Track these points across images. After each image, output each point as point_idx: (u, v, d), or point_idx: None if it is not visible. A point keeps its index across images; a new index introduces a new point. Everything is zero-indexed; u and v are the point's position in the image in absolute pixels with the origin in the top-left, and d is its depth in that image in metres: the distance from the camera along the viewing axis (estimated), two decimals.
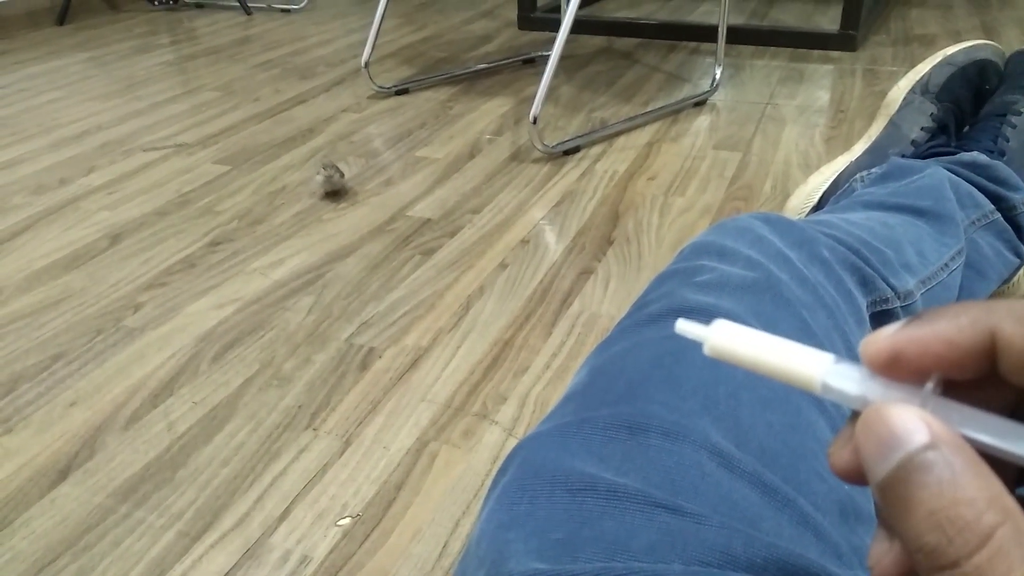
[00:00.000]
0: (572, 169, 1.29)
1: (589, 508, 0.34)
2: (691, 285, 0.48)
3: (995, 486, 0.16)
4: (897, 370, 0.19)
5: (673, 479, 0.34)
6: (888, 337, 0.19)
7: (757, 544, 0.31)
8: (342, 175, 1.20)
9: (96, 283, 1.03)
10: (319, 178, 1.19)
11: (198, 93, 1.78)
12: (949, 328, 0.18)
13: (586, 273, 0.99)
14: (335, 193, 1.22)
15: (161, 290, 1.00)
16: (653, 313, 0.47)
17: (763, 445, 0.37)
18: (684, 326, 0.22)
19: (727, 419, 0.38)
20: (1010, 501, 0.16)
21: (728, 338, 0.20)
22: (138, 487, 0.70)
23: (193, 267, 1.05)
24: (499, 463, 0.40)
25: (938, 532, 0.16)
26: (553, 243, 1.07)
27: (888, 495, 0.17)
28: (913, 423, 0.17)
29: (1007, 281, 0.78)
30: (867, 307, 0.54)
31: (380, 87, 1.69)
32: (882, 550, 0.19)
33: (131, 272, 1.05)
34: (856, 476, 0.19)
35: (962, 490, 0.16)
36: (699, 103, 1.55)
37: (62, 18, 2.53)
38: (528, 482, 0.36)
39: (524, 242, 1.07)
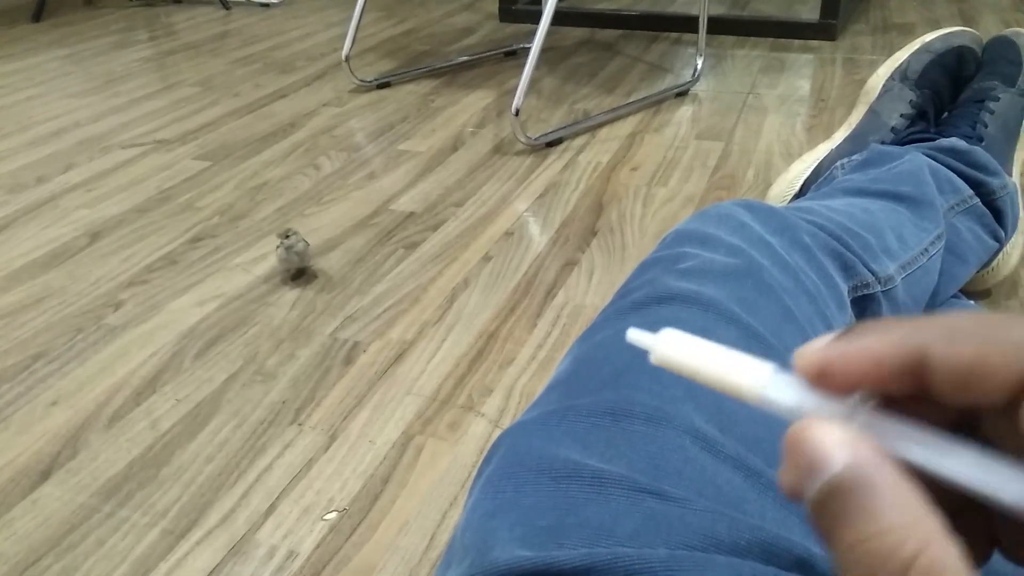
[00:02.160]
0: (555, 161, 1.29)
1: (574, 495, 0.34)
2: (674, 272, 0.48)
3: (916, 509, 0.16)
4: (827, 384, 0.18)
5: (657, 464, 0.34)
6: (818, 350, 0.19)
7: (741, 527, 0.31)
8: (306, 244, 0.95)
9: (76, 281, 1.02)
10: (279, 252, 0.94)
11: (177, 89, 1.76)
12: (878, 345, 0.18)
13: (570, 264, 0.99)
14: (299, 273, 0.97)
15: (142, 287, 0.99)
16: (636, 300, 0.47)
17: (746, 429, 0.37)
18: (634, 335, 0.21)
19: (710, 405, 0.38)
20: (931, 524, 0.16)
21: (673, 348, 0.20)
22: (122, 486, 0.69)
23: (174, 264, 1.04)
24: (485, 454, 0.40)
25: (861, 566, 0.16)
26: (537, 235, 1.07)
27: (815, 519, 0.17)
28: (835, 444, 0.17)
29: (987, 265, 0.79)
30: (848, 292, 0.54)
31: (361, 81, 1.68)
32: None
33: (111, 270, 1.04)
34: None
35: (882, 519, 0.16)
36: (681, 93, 1.55)
37: (38, 15, 2.50)
38: (513, 470, 0.36)
39: (508, 234, 1.07)
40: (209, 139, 1.46)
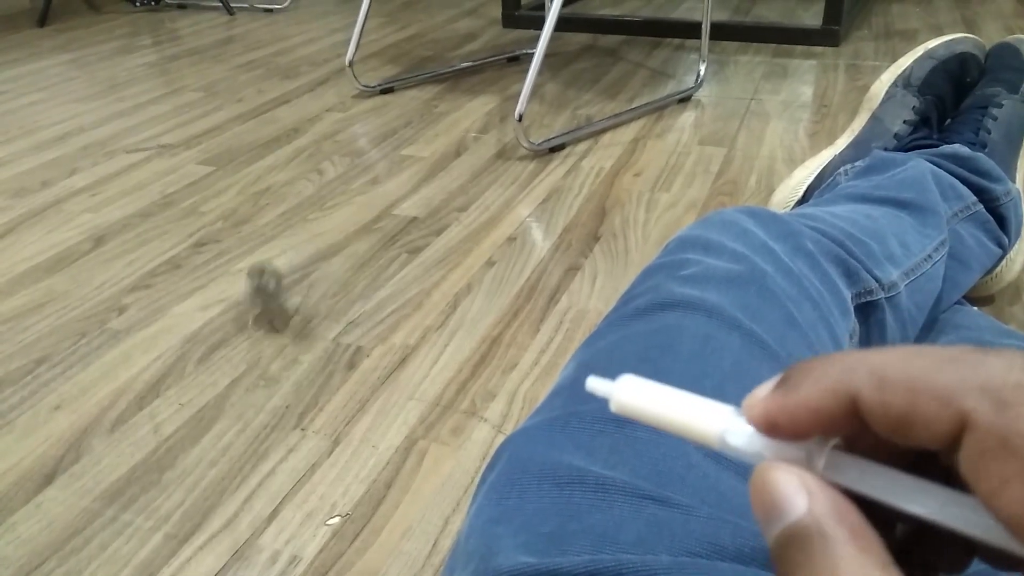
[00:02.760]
0: (558, 166, 1.29)
1: (577, 501, 0.34)
2: (677, 279, 0.48)
3: (874, 557, 0.16)
4: (778, 434, 0.18)
5: (660, 471, 0.34)
6: (760, 403, 0.19)
7: (745, 534, 0.31)
8: (278, 282, 0.82)
9: (80, 285, 1.02)
10: (246, 290, 0.82)
11: (181, 94, 1.77)
12: (812, 395, 0.18)
13: (573, 269, 0.99)
14: (267, 314, 0.84)
15: (146, 292, 1.00)
16: (640, 307, 0.47)
17: None
18: (593, 383, 0.21)
19: None
20: (891, 573, 0.16)
21: (632, 395, 0.20)
22: (125, 490, 0.69)
23: (178, 268, 1.05)
24: (488, 460, 0.40)
25: None
26: (540, 240, 1.07)
27: (776, 563, 0.17)
28: (794, 490, 0.17)
29: (990, 272, 0.79)
30: (852, 299, 0.54)
31: (364, 86, 1.69)
32: None
33: (115, 274, 1.04)
34: None
35: (837, 566, 0.16)
36: (684, 99, 1.55)
37: (43, 19, 2.51)
38: (516, 476, 0.36)
39: (511, 239, 1.07)
40: (213, 144, 1.46)
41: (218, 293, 0.98)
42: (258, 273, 0.80)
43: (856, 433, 0.18)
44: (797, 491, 0.17)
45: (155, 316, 0.94)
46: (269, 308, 0.82)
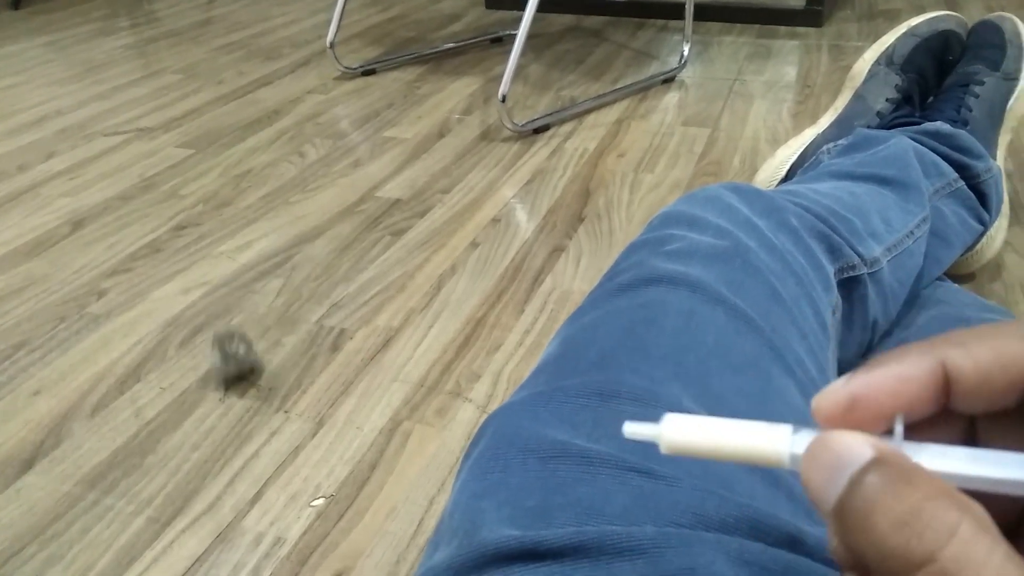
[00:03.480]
0: (542, 147, 1.28)
1: (562, 475, 0.33)
2: (661, 254, 0.48)
3: (947, 485, 0.16)
4: (855, 417, 0.18)
5: (645, 443, 0.34)
6: (842, 386, 0.19)
7: (730, 504, 0.31)
8: (248, 345, 0.77)
9: (59, 270, 1.01)
10: (213, 359, 0.77)
11: (160, 76, 1.74)
12: (901, 366, 0.18)
13: (558, 250, 0.99)
14: (240, 377, 0.79)
15: (126, 276, 0.98)
16: (623, 283, 0.46)
17: (734, 410, 0.37)
18: (632, 429, 0.20)
19: (698, 385, 0.38)
20: (964, 497, 0.16)
21: (682, 433, 0.20)
22: (106, 474, 0.69)
23: (158, 252, 1.03)
24: (473, 437, 0.40)
25: (905, 531, 0.15)
26: (524, 221, 1.06)
27: (843, 516, 0.17)
28: (857, 444, 0.17)
29: (971, 248, 0.79)
30: (835, 274, 0.54)
31: (346, 68, 1.67)
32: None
33: (94, 258, 1.03)
34: (855, 562, 0.18)
35: (919, 490, 0.16)
36: (668, 80, 1.55)
37: (17, 2, 2.46)
38: (501, 451, 0.36)
39: (495, 221, 1.07)
40: (193, 127, 1.44)
41: (199, 276, 0.97)
42: (225, 340, 0.76)
43: (925, 419, 0.19)
44: (862, 444, 0.17)
45: (135, 300, 0.93)
46: (242, 371, 0.78)
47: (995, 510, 0.17)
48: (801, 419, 0.39)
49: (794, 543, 0.31)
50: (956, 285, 0.73)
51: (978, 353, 0.18)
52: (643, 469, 0.33)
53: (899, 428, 0.18)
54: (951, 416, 0.19)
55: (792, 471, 0.19)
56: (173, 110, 1.53)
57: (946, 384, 0.18)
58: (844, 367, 0.58)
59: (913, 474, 0.16)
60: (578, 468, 0.33)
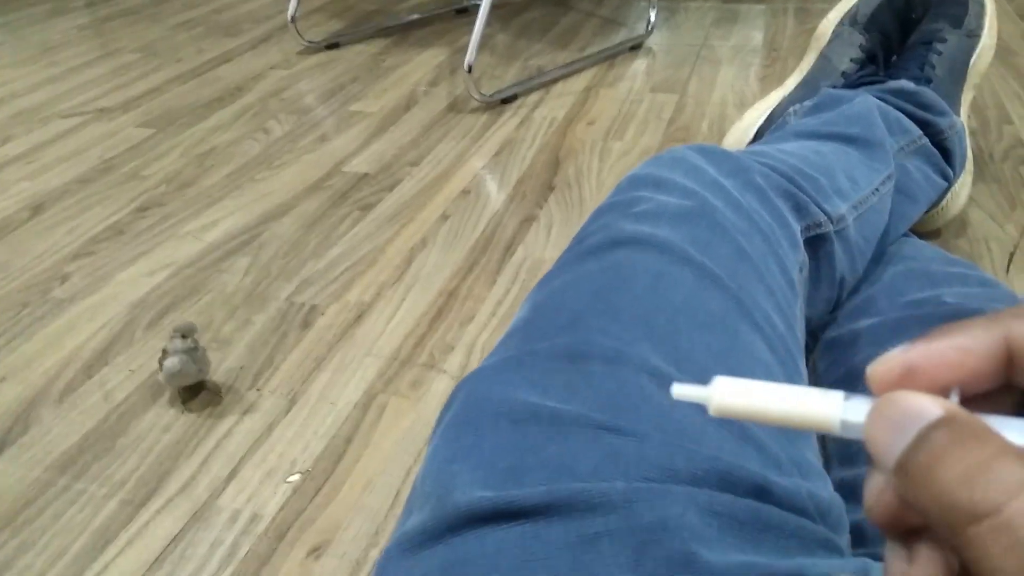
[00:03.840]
0: (510, 118, 1.27)
1: (533, 436, 0.33)
2: (628, 216, 0.48)
3: (1015, 445, 0.16)
4: (911, 387, 0.18)
5: (615, 402, 0.34)
6: (900, 354, 0.19)
7: (698, 458, 0.31)
8: (197, 348, 0.70)
9: (19, 255, 0.98)
10: (169, 363, 0.69)
11: (117, 56, 1.70)
12: (962, 337, 0.18)
13: (528, 220, 0.99)
14: (198, 387, 0.73)
15: (89, 259, 0.96)
16: (592, 245, 0.46)
17: (702, 366, 0.37)
18: (682, 391, 0.20)
19: (666, 343, 0.38)
20: None
21: (733, 396, 0.20)
22: (77, 458, 0.68)
23: (121, 234, 1.01)
24: (445, 403, 0.40)
25: (971, 484, 0.15)
26: (494, 192, 1.06)
27: (909, 471, 0.16)
28: (927, 402, 0.17)
29: (936, 204, 0.80)
30: (801, 232, 0.55)
31: (309, 42, 1.64)
32: (878, 487, 0.19)
33: (56, 242, 1.00)
34: (897, 518, 0.18)
35: (988, 447, 0.16)
36: (635, 47, 1.54)
37: None
38: (471, 416, 0.36)
39: (465, 192, 1.06)
40: (152, 106, 1.41)
41: (164, 258, 0.95)
42: (187, 331, 0.69)
43: (979, 394, 0.18)
44: (931, 402, 0.17)
45: (100, 283, 0.92)
46: (203, 371, 0.71)
47: None
48: (767, 374, 0.39)
49: (762, 493, 0.31)
50: (922, 241, 0.74)
51: None
52: (613, 427, 0.33)
53: (954, 399, 0.18)
54: (1004, 391, 0.19)
55: (841, 436, 0.19)
56: (132, 90, 1.49)
57: (1008, 358, 0.18)
58: (811, 323, 0.59)
59: (981, 432, 0.16)
60: (549, 429, 0.33)
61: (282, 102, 1.39)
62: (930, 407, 0.17)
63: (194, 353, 0.69)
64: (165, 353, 0.70)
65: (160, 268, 0.93)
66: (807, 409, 0.19)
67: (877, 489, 0.19)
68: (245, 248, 0.96)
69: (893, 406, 0.17)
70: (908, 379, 0.18)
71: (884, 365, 0.19)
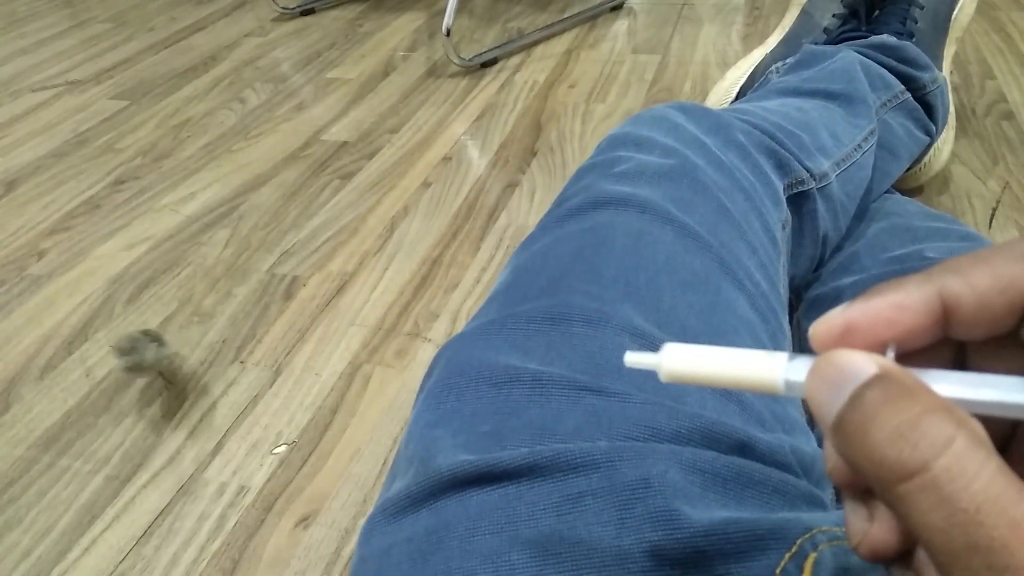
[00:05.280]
0: (491, 82, 1.25)
1: (515, 399, 0.33)
2: (609, 176, 0.47)
3: (946, 401, 0.16)
4: (850, 345, 0.18)
5: (597, 363, 0.34)
6: (839, 314, 0.19)
7: (681, 416, 0.31)
8: (158, 342, 0.67)
9: None
10: (124, 362, 0.65)
11: (87, 26, 1.66)
12: (898, 294, 0.18)
13: (511, 186, 0.98)
14: (163, 378, 0.71)
15: (65, 234, 0.95)
16: (572, 207, 0.46)
17: (684, 324, 0.37)
18: (634, 359, 0.21)
19: (648, 303, 0.38)
20: (961, 413, 0.16)
21: (681, 362, 0.20)
22: (60, 435, 0.67)
23: (98, 208, 1.00)
24: (427, 369, 0.39)
25: (900, 442, 0.15)
26: (476, 158, 1.04)
27: (844, 430, 0.17)
28: (862, 360, 0.17)
29: (918, 160, 0.80)
30: (784, 190, 0.54)
31: (284, 8, 1.60)
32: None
33: (31, 218, 0.99)
34: (856, 478, 0.19)
35: (918, 404, 0.16)
36: (616, 7, 1.52)
37: None
38: (453, 380, 0.36)
39: (446, 159, 1.05)
40: (125, 77, 1.38)
41: (142, 232, 0.94)
42: (126, 350, 0.65)
43: (916, 349, 0.19)
44: (865, 360, 0.17)
45: (77, 259, 0.90)
46: (160, 372, 0.69)
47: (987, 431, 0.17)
48: (749, 331, 0.39)
49: (745, 449, 0.31)
50: (904, 197, 0.74)
51: (976, 279, 0.18)
52: (595, 388, 0.32)
53: (891, 356, 0.18)
54: (941, 345, 0.19)
55: (787, 397, 0.19)
56: (103, 61, 1.46)
57: (943, 313, 0.18)
58: (795, 282, 0.59)
59: (914, 389, 0.16)
60: (531, 391, 0.33)
61: (257, 70, 1.36)
62: (865, 365, 0.17)
63: (143, 355, 0.65)
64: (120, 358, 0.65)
65: (138, 242, 0.92)
66: (752, 371, 0.19)
67: (835, 451, 0.19)
68: (224, 220, 0.95)
69: (830, 365, 0.18)
70: (847, 338, 0.18)
71: (824, 325, 0.19)
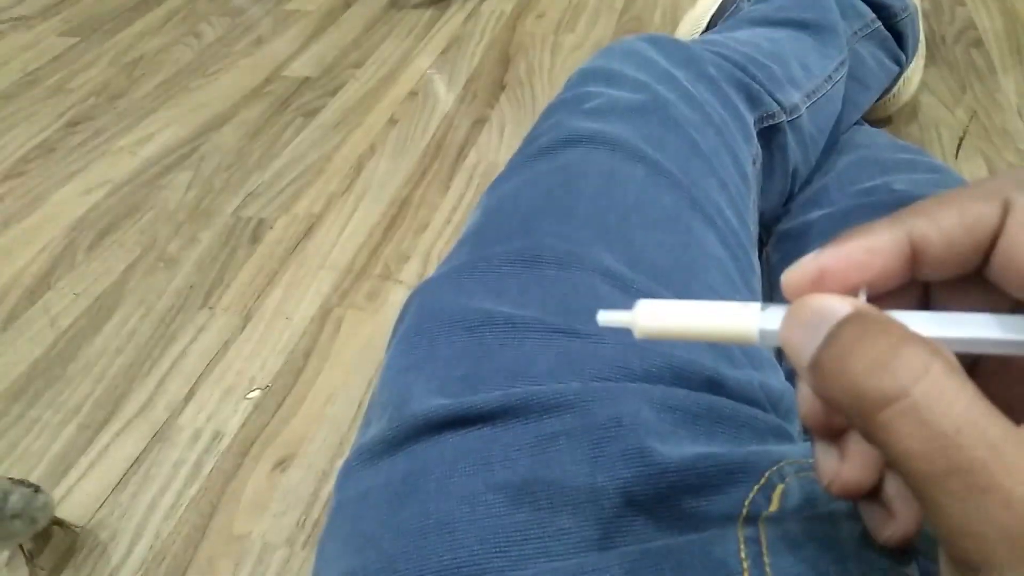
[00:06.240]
0: (456, 12, 1.22)
1: (488, 342, 0.33)
2: (579, 113, 0.46)
3: (920, 335, 0.16)
4: (823, 290, 0.19)
5: (569, 305, 0.34)
6: (811, 260, 0.19)
7: (652, 355, 0.31)
8: (34, 492, 0.51)
9: None
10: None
11: None
12: (868, 238, 0.19)
13: (480, 122, 0.96)
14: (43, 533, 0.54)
15: (19, 180, 0.92)
16: (543, 146, 0.45)
17: (656, 264, 0.37)
18: (606, 317, 0.21)
19: (619, 243, 0.38)
20: (935, 343, 0.16)
21: (654, 317, 0.20)
22: (27, 387, 0.66)
23: (52, 152, 0.96)
24: (399, 314, 0.39)
25: (879, 371, 0.15)
26: (443, 93, 1.02)
27: (821, 368, 0.17)
28: (836, 302, 0.17)
29: (888, 91, 0.80)
30: (755, 123, 0.54)
31: None
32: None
33: None
34: (828, 422, 0.19)
35: (893, 335, 0.16)
36: None
37: None
38: (426, 326, 0.35)
39: (412, 95, 1.02)
40: (73, 12, 1.32)
41: (100, 175, 0.91)
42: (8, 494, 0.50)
43: (885, 292, 0.19)
44: (841, 301, 0.17)
45: (34, 205, 0.87)
46: (39, 520, 0.52)
47: None
48: (720, 269, 0.39)
49: (715, 386, 0.32)
50: (874, 128, 0.74)
51: (943, 220, 0.18)
52: (568, 330, 0.32)
53: (862, 299, 0.18)
54: (909, 287, 0.20)
55: (761, 347, 0.19)
56: None
57: (912, 255, 0.18)
58: (765, 216, 0.59)
59: (888, 325, 0.16)
60: (504, 334, 0.33)
61: (212, 3, 1.31)
62: (839, 306, 0.17)
63: (28, 507, 0.50)
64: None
65: (96, 186, 0.89)
66: (727, 324, 0.20)
67: (809, 395, 0.19)
68: (185, 162, 0.92)
69: (804, 309, 0.18)
70: (819, 283, 0.19)
71: (797, 272, 0.19)
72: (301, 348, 0.68)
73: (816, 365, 0.17)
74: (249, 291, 0.74)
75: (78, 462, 0.60)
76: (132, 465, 0.59)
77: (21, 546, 0.54)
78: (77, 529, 0.55)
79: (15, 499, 0.50)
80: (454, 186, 0.86)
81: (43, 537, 0.54)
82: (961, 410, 0.15)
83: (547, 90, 1.01)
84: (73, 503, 0.57)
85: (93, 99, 1.06)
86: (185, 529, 0.55)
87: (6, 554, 0.54)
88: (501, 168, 0.87)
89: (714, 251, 0.41)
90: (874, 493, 0.20)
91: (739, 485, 0.27)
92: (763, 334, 0.19)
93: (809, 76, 0.62)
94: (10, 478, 0.51)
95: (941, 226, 0.18)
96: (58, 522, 0.55)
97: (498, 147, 0.91)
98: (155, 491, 0.57)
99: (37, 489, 0.52)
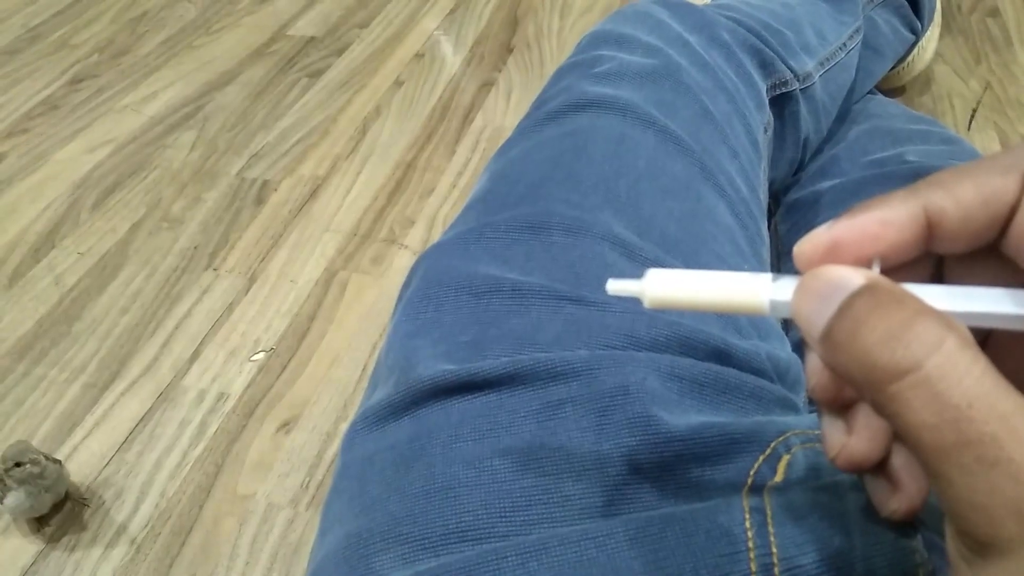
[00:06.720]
0: None
1: (495, 309, 0.33)
2: (590, 77, 0.46)
3: (933, 307, 0.16)
4: (836, 261, 0.18)
5: (576, 272, 0.34)
6: (824, 231, 0.19)
7: (659, 323, 0.31)
8: (50, 462, 0.53)
9: None
10: (9, 497, 0.52)
11: None
12: (883, 210, 0.18)
13: (487, 85, 0.95)
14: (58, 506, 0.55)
15: (23, 137, 0.91)
16: (552, 110, 0.44)
17: (664, 232, 0.37)
18: (616, 286, 0.21)
19: (628, 210, 0.37)
20: (949, 317, 0.16)
21: (664, 286, 0.20)
22: (33, 344, 0.66)
23: (56, 109, 0.95)
24: (405, 279, 0.39)
25: (892, 343, 0.15)
26: (450, 55, 1.01)
27: (833, 339, 0.17)
28: (849, 273, 0.17)
29: (902, 60, 0.78)
30: (767, 91, 0.53)
31: None
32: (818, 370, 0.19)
33: None
34: (837, 394, 0.19)
35: (906, 308, 0.16)
36: None
37: None
38: (432, 291, 0.35)
39: (419, 56, 1.01)
40: None
41: (104, 133, 0.90)
42: (18, 457, 0.52)
43: (901, 265, 0.19)
44: (855, 272, 0.17)
45: (38, 163, 0.87)
46: (57, 491, 0.54)
47: None
48: (729, 238, 0.39)
49: (722, 356, 0.31)
50: (887, 98, 0.73)
51: (959, 192, 0.18)
52: (575, 297, 0.32)
53: (876, 270, 0.18)
54: (922, 260, 0.19)
55: (772, 315, 0.19)
56: None
57: (927, 227, 0.18)
58: (774, 185, 0.58)
59: (901, 297, 0.16)
60: (511, 301, 0.33)
61: None
62: (852, 277, 0.17)
63: (38, 480, 0.52)
64: (4, 484, 0.52)
65: (100, 144, 0.89)
66: (737, 294, 0.19)
67: (818, 367, 0.19)
68: (189, 121, 0.91)
69: (817, 280, 0.18)
70: (832, 254, 0.18)
71: (809, 243, 0.19)
72: (306, 311, 0.68)
73: (828, 336, 0.17)
74: (254, 253, 0.74)
75: (84, 421, 0.60)
76: (138, 424, 0.60)
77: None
78: (86, 502, 0.56)
79: (50, 472, 0.53)
80: (460, 150, 0.85)
81: (55, 506, 0.55)
82: (973, 384, 0.15)
83: (556, 53, 0.99)
84: (79, 461, 0.58)
85: (96, 56, 1.05)
86: (190, 488, 0.55)
87: (7, 517, 0.54)
88: (508, 132, 0.86)
89: (724, 220, 0.40)
90: (880, 466, 0.20)
91: (744, 455, 0.27)
92: (774, 305, 0.19)
93: (823, 43, 0.61)
94: (43, 453, 0.53)
95: (958, 199, 0.18)
96: (69, 495, 0.56)
97: (505, 111, 0.90)
98: (160, 450, 0.58)
99: (61, 464, 0.54)
